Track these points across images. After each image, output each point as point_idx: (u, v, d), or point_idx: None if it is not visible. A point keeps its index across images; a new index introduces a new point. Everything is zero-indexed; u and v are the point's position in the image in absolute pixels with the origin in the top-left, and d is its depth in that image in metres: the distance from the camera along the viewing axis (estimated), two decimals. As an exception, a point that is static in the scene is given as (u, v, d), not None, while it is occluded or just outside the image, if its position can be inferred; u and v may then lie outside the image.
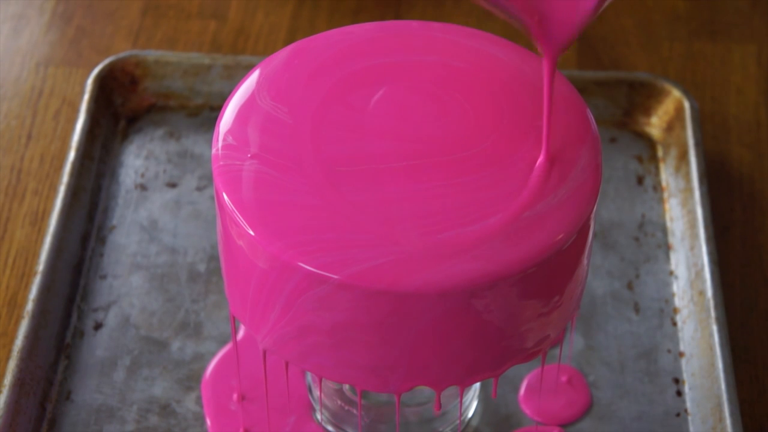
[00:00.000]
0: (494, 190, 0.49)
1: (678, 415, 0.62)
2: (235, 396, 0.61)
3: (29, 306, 0.62)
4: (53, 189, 0.70)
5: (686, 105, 0.71)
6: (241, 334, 0.63)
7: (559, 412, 0.61)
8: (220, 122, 0.51)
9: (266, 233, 0.48)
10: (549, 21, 0.47)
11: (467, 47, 0.54)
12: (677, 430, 0.61)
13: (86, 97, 0.71)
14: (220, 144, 0.50)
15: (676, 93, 0.72)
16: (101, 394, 0.62)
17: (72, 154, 0.68)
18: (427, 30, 0.54)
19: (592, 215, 0.49)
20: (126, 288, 0.66)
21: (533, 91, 0.52)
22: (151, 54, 0.73)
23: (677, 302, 0.65)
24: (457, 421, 0.60)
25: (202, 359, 0.63)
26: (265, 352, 0.53)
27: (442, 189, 0.49)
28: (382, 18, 0.79)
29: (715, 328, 0.62)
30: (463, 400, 0.60)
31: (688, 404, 0.62)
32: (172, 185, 0.70)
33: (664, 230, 0.69)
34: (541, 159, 0.49)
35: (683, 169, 0.69)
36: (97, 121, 0.71)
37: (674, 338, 0.64)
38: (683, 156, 0.70)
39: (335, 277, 0.46)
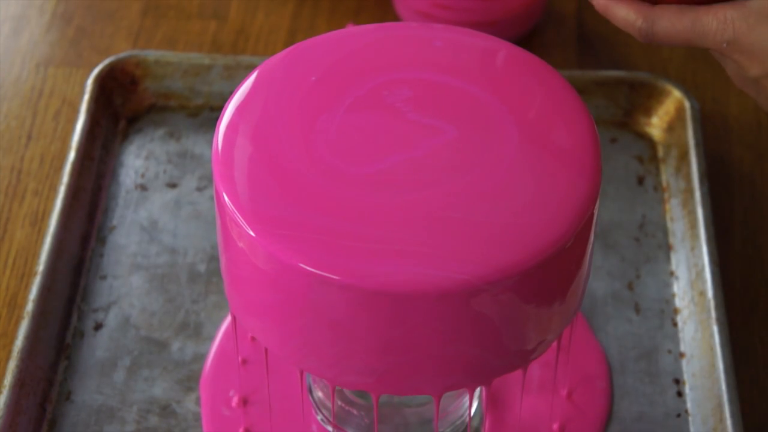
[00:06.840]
0: (494, 192, 0.49)
1: (678, 415, 0.62)
2: (236, 399, 0.61)
3: (29, 306, 0.62)
4: (53, 189, 0.70)
5: (687, 105, 0.71)
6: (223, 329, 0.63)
7: None
8: (220, 123, 0.51)
9: (266, 233, 0.47)
10: None
11: (467, 47, 0.54)
12: (678, 430, 0.61)
13: (86, 97, 0.71)
14: (220, 144, 0.50)
15: (676, 93, 0.72)
16: (101, 395, 0.62)
17: (72, 155, 0.68)
18: (427, 30, 0.54)
19: (593, 216, 0.49)
20: (126, 288, 0.66)
21: (532, 89, 0.52)
22: (151, 54, 0.73)
23: (678, 303, 0.65)
24: (458, 422, 0.60)
25: (202, 360, 0.63)
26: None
27: (442, 192, 0.48)
28: (382, 18, 0.79)
29: (715, 328, 0.62)
30: (464, 401, 0.60)
31: (689, 405, 0.62)
32: (172, 185, 0.70)
33: (665, 231, 0.68)
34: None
35: (684, 170, 0.69)
36: (97, 122, 0.71)
37: (675, 339, 0.64)
38: (684, 156, 0.70)
39: (335, 277, 0.46)
